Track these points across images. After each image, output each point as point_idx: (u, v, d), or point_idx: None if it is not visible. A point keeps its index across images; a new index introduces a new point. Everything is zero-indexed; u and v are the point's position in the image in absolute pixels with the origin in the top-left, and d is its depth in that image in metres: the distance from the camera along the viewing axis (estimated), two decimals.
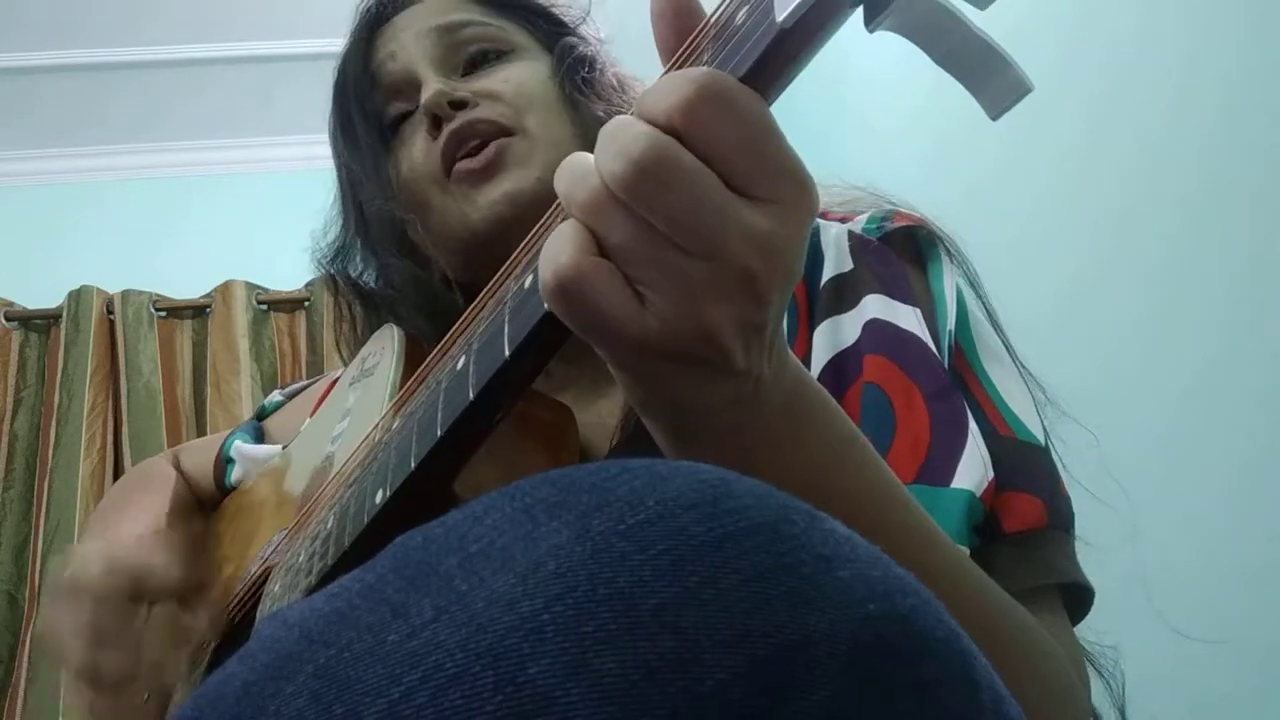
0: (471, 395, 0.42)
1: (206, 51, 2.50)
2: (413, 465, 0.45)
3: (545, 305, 0.38)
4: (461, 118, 0.64)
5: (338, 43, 0.75)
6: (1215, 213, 1.07)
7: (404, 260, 0.68)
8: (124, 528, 0.73)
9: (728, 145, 0.33)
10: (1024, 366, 0.62)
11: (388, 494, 0.46)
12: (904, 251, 0.63)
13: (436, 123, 0.65)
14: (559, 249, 0.34)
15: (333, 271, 0.74)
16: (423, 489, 0.46)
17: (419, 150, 0.67)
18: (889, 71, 1.71)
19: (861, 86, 1.75)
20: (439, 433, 0.44)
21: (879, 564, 0.27)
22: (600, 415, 0.63)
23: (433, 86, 0.65)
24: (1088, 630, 0.57)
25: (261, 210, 2.58)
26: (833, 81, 1.84)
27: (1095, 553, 0.58)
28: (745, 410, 0.38)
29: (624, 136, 0.33)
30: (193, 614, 0.63)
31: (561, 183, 0.36)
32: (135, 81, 2.52)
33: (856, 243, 0.63)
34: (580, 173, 0.35)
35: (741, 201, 0.33)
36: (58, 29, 2.40)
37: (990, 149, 1.46)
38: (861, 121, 1.84)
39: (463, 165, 0.64)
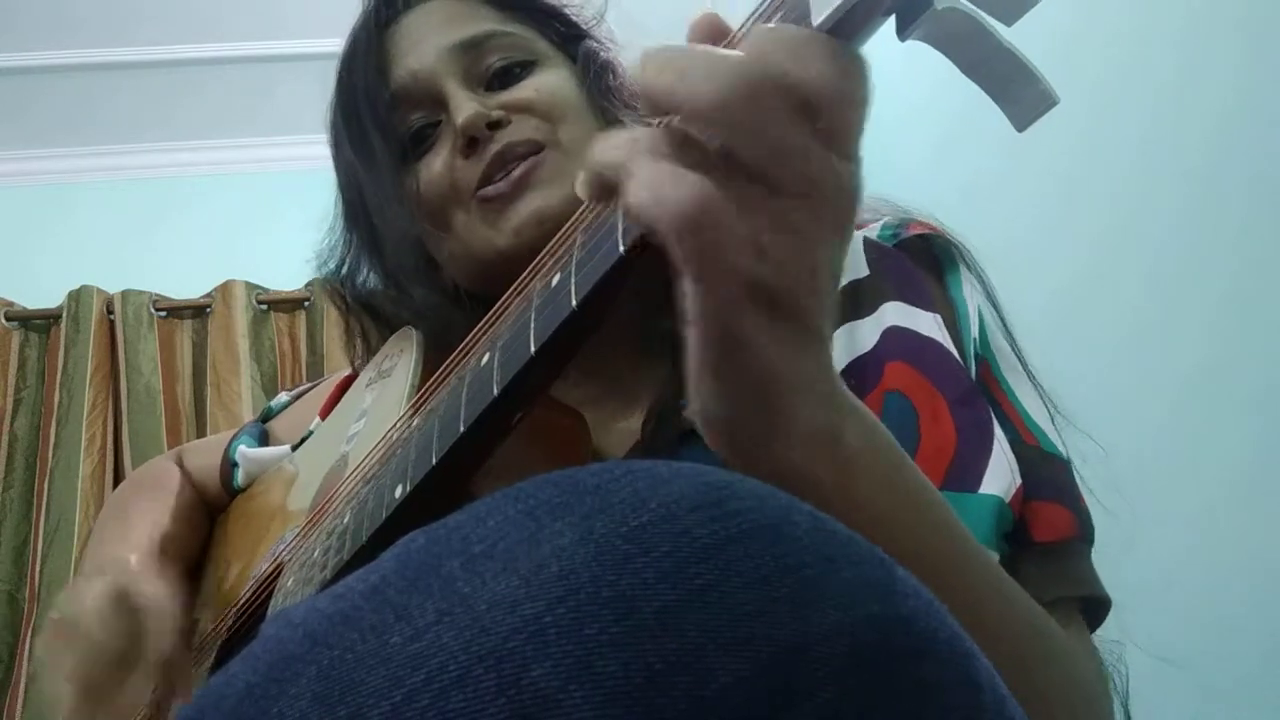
0: (496, 391, 0.42)
1: (205, 51, 2.50)
2: (434, 460, 0.45)
3: (574, 302, 0.38)
4: (501, 140, 0.62)
5: (338, 43, 0.72)
6: (1213, 214, 1.07)
7: (427, 285, 0.65)
8: (129, 538, 0.73)
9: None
10: (1038, 380, 0.61)
11: (408, 488, 0.47)
12: (919, 259, 0.62)
13: (473, 143, 0.63)
14: (669, 177, 0.32)
15: (343, 291, 0.71)
16: (442, 485, 0.46)
17: (441, 167, 0.64)
18: (887, 70, 1.71)
19: None
20: (461, 428, 0.44)
21: (882, 565, 0.27)
22: (623, 432, 0.62)
23: (469, 108, 0.62)
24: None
25: (261, 210, 2.57)
26: None
27: (1099, 557, 0.58)
28: (824, 408, 0.36)
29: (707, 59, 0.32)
30: (181, 669, 0.63)
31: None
32: (134, 81, 2.52)
33: (872, 248, 0.62)
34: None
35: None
36: (57, 29, 2.40)
37: (987, 149, 1.46)
38: None
39: (489, 190, 0.62)
